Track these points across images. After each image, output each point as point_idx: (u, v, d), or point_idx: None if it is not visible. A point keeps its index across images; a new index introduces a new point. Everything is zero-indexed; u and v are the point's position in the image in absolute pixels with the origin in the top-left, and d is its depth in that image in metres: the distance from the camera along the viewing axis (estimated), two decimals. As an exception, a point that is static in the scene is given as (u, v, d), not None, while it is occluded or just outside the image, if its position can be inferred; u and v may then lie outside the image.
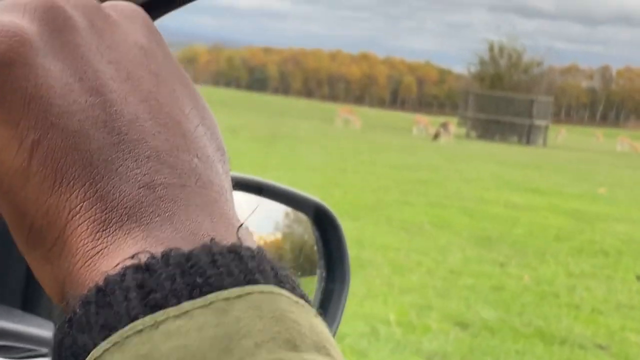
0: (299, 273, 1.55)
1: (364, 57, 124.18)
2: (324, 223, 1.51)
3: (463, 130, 44.43)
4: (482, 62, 47.51)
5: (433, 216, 12.09)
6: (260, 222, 1.51)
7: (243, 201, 1.39)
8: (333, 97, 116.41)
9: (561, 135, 50.91)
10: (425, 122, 41.01)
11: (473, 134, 42.66)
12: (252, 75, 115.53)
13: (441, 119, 50.58)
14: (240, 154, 18.62)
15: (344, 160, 19.92)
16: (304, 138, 26.41)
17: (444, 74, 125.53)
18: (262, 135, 25.53)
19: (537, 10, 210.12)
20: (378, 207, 12.56)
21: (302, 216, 1.54)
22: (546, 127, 43.93)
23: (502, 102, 43.80)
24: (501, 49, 46.52)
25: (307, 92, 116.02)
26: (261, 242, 1.53)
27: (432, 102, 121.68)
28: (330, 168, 17.58)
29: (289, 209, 1.54)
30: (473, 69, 50.49)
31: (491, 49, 46.77)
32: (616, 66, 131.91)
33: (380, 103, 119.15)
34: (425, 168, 19.78)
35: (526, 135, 42.66)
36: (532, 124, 42.76)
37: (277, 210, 1.51)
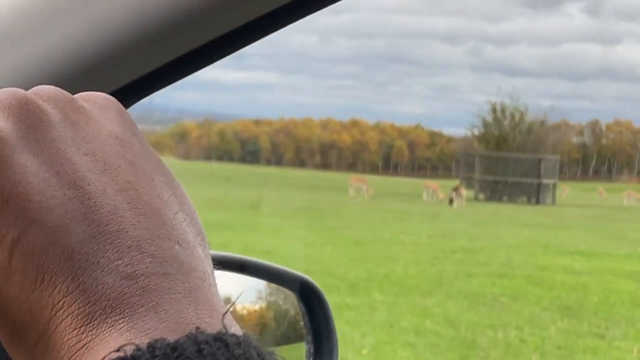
0: (284, 342, 1.60)
1: (355, 124, 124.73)
2: (310, 298, 1.52)
3: (470, 193, 44.30)
4: (485, 124, 47.64)
5: (502, 287, 11.80)
6: (243, 292, 1.52)
7: (226, 280, 1.41)
8: (325, 166, 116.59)
9: (565, 192, 50.88)
10: (435, 187, 40.88)
11: (481, 196, 42.50)
12: (244, 147, 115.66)
13: (442, 182, 50.55)
14: (274, 231, 18.31)
15: (377, 230, 19.62)
16: (327, 210, 26.11)
17: (434, 137, 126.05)
18: (284, 210, 25.22)
19: (522, 69, 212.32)
20: (443, 281, 12.26)
21: (288, 292, 1.55)
22: (554, 186, 43.89)
23: (509, 162, 43.81)
24: (503, 110, 46.70)
25: (300, 162, 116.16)
26: (244, 312, 1.53)
27: (424, 165, 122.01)
28: (370, 240, 17.27)
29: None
30: (476, 131, 50.62)
31: (494, 110, 46.94)
32: (605, 120, 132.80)
33: (373, 168, 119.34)
34: (461, 235, 19.50)
35: (535, 194, 42.54)
36: (541, 183, 42.69)
37: (259, 280, 1.52)
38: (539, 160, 43.28)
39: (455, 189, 36.97)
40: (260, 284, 1.53)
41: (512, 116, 46.43)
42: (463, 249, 16.25)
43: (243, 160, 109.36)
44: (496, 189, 43.56)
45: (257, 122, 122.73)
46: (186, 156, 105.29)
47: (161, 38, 1.02)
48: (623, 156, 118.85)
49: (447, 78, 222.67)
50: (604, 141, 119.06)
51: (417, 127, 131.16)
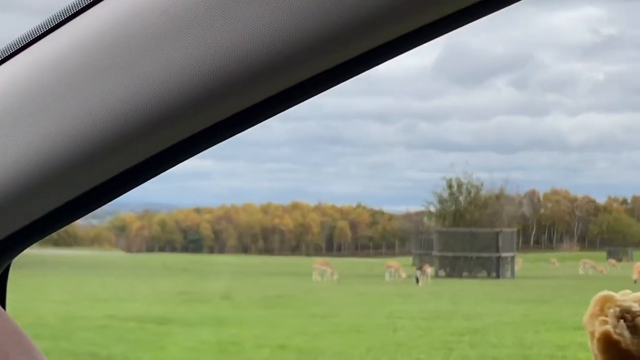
0: None
1: (295, 206, 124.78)
2: None
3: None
4: (441, 200, 47.91)
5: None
6: None
7: None
8: (269, 250, 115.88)
9: (519, 265, 50.99)
10: (397, 267, 40.61)
11: (442, 272, 42.35)
12: (186, 237, 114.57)
13: (398, 260, 50.36)
14: (268, 324, 17.81)
15: (368, 316, 19.22)
16: (303, 297, 25.58)
17: (375, 215, 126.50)
18: (260, 300, 24.63)
19: (456, 144, 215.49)
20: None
21: None
22: (512, 259, 43.97)
23: (467, 237, 43.84)
24: (459, 186, 47.08)
25: (243, 248, 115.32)
26: None
27: (367, 244, 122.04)
28: (369, 327, 16.86)
29: None
30: (432, 208, 50.80)
31: (450, 186, 47.28)
32: (541, 190, 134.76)
33: (317, 250, 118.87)
34: (452, 315, 19.23)
35: (495, 268, 42.53)
36: (500, 256, 42.75)
37: None
38: (497, 234, 43.43)
39: (420, 268, 36.82)
40: None
41: (468, 191, 46.81)
42: (469, 330, 15.95)
43: (185, 249, 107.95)
44: (456, 265, 43.50)
45: (198, 211, 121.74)
46: (128, 249, 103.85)
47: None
48: (562, 224, 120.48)
49: (382, 156, 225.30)
50: (542, 210, 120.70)
51: (358, 206, 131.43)
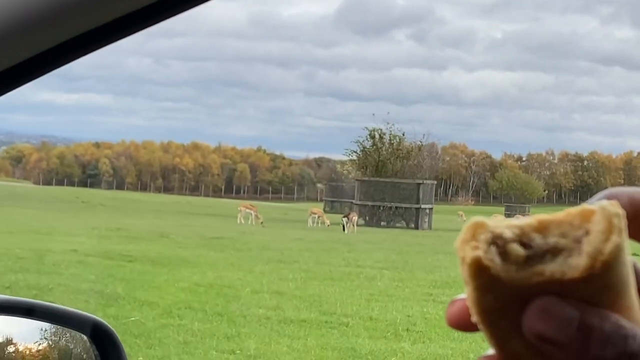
0: None
1: (196, 147, 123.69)
2: (103, 341, 1.50)
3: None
4: (365, 150, 48.18)
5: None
6: (26, 333, 1.51)
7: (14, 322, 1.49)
8: (168, 189, 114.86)
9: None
10: (320, 213, 40.87)
11: (361, 221, 42.84)
12: (85, 171, 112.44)
13: (316, 207, 50.67)
14: (226, 265, 17.75)
15: (324, 264, 19.33)
16: (242, 240, 25.50)
17: (276, 160, 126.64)
18: (199, 240, 24.42)
19: (353, 93, 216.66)
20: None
21: (79, 335, 1.53)
22: (430, 210, 44.77)
23: (388, 187, 44.32)
24: (381, 136, 47.35)
25: (142, 185, 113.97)
26: (27, 352, 1.49)
27: (267, 187, 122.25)
28: (335, 276, 16.98)
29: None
30: (354, 156, 51.05)
31: (372, 136, 47.49)
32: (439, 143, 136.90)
33: (216, 192, 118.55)
34: (410, 267, 19.54)
35: (414, 219, 43.26)
36: (420, 208, 43.46)
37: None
38: (418, 185, 44.06)
39: (347, 216, 37.16)
40: (44, 324, 1.52)
41: (391, 142, 47.18)
42: (443, 284, 16.27)
43: (84, 184, 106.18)
44: (374, 214, 44.03)
45: (98, 145, 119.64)
46: (25, 180, 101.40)
47: None
48: (459, 178, 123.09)
49: (281, 102, 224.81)
50: (440, 164, 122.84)
51: (259, 150, 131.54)
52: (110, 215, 37.60)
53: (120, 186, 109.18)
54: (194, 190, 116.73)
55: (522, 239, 0.50)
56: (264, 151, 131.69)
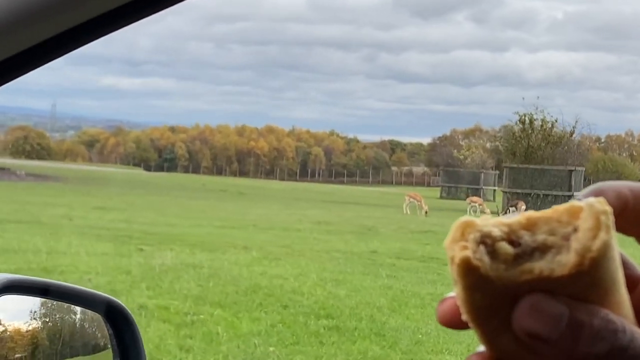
0: (60, 358, 1.54)
1: (270, 130, 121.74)
2: (117, 320, 1.49)
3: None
4: (514, 136, 45.62)
5: None
6: (16, 313, 1.47)
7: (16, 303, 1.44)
8: (243, 173, 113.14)
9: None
10: (480, 202, 38.47)
11: (512, 209, 40.39)
12: (161, 155, 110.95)
13: (475, 197, 48.40)
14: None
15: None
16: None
17: (350, 143, 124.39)
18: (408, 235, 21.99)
19: (415, 75, 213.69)
20: None
21: (93, 314, 1.51)
22: (582, 197, 42.09)
23: (537, 174, 41.82)
24: (532, 121, 44.73)
25: (217, 169, 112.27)
26: (16, 332, 1.47)
27: (341, 171, 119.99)
28: None
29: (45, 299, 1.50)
30: (504, 143, 48.58)
31: (522, 121, 44.91)
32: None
33: (291, 175, 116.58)
34: None
35: (566, 206, 40.66)
36: (572, 196, 40.73)
37: (32, 300, 1.48)
38: (570, 172, 41.53)
39: (515, 205, 34.82)
40: (34, 305, 1.49)
41: (543, 127, 44.54)
42: None
43: (161, 168, 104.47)
44: (524, 201, 41.55)
45: (173, 130, 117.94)
46: (104, 162, 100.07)
47: None
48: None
49: (343, 84, 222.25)
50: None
51: (332, 133, 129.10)
52: (276, 205, 35.10)
53: (195, 170, 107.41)
54: (269, 174, 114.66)
55: (511, 237, 0.50)
56: (337, 134, 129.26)
